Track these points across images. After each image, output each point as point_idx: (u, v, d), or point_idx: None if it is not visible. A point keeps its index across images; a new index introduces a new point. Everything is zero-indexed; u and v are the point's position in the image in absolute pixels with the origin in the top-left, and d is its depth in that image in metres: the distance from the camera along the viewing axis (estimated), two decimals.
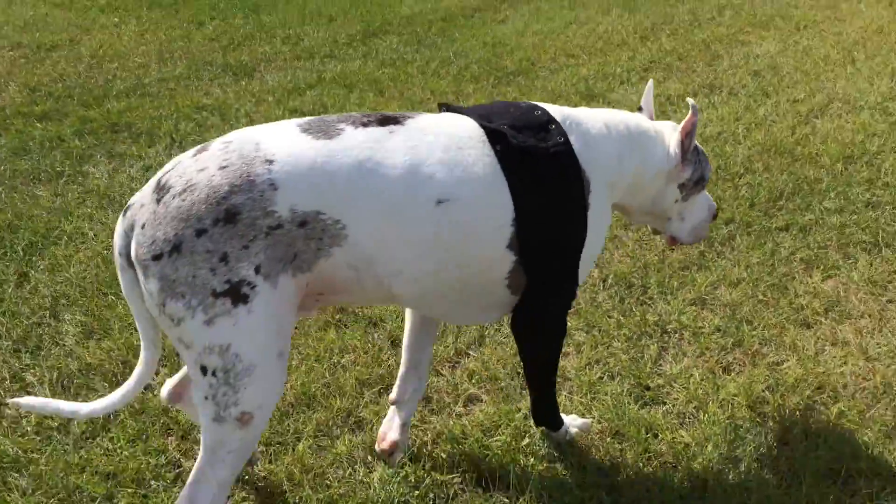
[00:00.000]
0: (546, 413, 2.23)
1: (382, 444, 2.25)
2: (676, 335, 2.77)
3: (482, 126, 1.85)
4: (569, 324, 2.62)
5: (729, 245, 3.28)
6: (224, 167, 1.63)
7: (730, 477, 2.18)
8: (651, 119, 2.27)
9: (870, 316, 2.83)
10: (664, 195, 2.20)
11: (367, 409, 2.45)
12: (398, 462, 2.23)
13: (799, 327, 2.79)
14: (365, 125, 1.76)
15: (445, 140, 1.79)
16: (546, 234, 1.88)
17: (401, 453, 2.24)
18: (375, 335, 2.78)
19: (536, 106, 1.97)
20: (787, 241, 3.28)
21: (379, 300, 2.04)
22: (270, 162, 1.64)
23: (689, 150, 2.14)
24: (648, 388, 2.52)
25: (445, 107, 2.01)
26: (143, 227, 1.62)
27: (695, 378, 2.54)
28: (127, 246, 1.67)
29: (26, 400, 1.84)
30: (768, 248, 3.24)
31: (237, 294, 1.60)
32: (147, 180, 1.82)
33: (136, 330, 2.24)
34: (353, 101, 4.90)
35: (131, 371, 1.81)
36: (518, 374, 2.55)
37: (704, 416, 2.37)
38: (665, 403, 2.46)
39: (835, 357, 2.63)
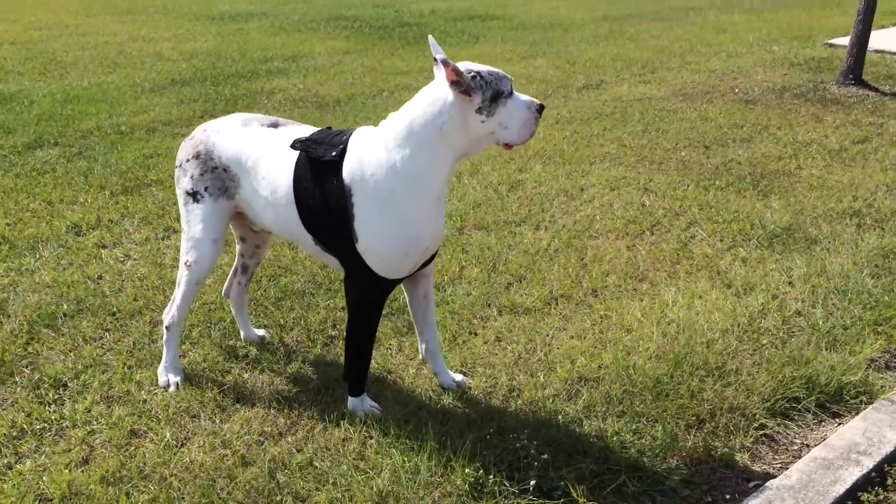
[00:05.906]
0: (349, 375, 2.94)
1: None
2: None
3: (295, 140, 2.79)
4: None
5: None
6: (205, 130, 3.02)
7: None
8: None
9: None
10: (471, 125, 2.61)
11: None
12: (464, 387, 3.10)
13: (113, 404, 2.95)
14: (262, 125, 2.94)
15: (278, 144, 2.83)
16: (313, 215, 2.75)
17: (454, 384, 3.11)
18: None
19: (347, 131, 2.79)
20: None
21: (269, 229, 3.01)
22: (218, 132, 2.97)
23: (464, 85, 2.55)
24: None
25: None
26: (180, 149, 3.05)
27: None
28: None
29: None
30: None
31: (195, 196, 2.96)
32: None
33: None
34: None
35: None
36: None
37: None
38: None
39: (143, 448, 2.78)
